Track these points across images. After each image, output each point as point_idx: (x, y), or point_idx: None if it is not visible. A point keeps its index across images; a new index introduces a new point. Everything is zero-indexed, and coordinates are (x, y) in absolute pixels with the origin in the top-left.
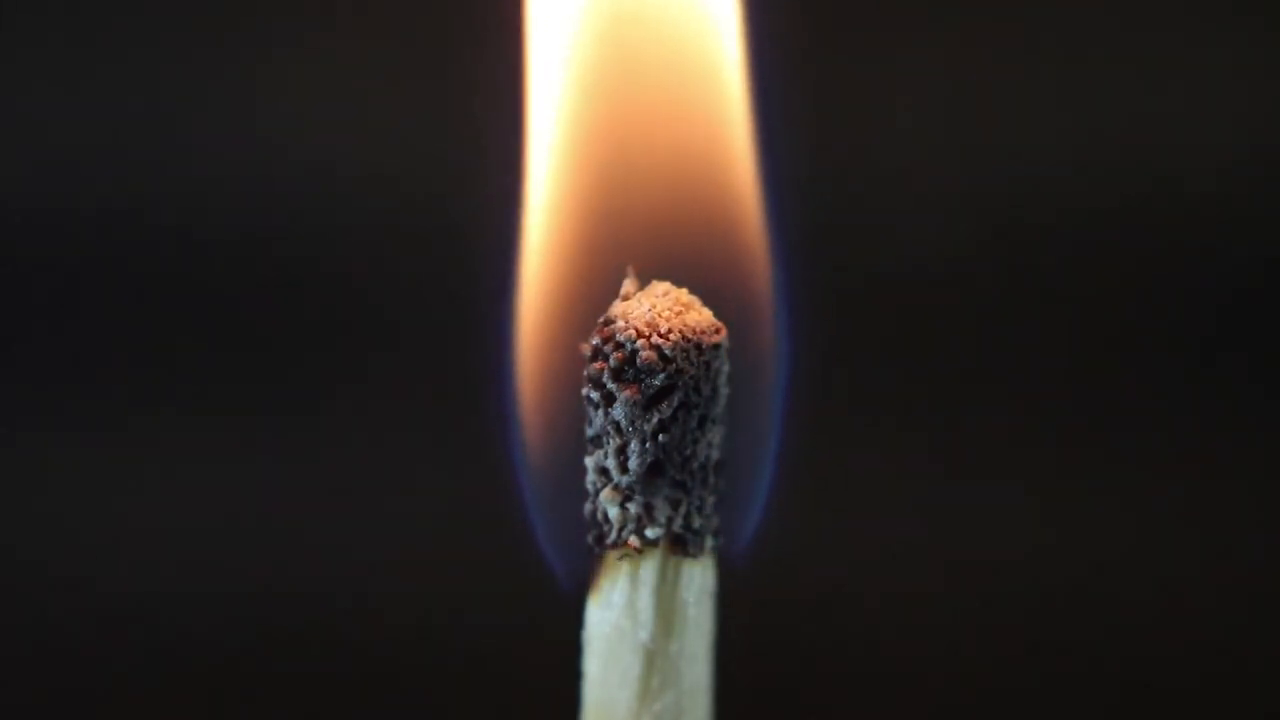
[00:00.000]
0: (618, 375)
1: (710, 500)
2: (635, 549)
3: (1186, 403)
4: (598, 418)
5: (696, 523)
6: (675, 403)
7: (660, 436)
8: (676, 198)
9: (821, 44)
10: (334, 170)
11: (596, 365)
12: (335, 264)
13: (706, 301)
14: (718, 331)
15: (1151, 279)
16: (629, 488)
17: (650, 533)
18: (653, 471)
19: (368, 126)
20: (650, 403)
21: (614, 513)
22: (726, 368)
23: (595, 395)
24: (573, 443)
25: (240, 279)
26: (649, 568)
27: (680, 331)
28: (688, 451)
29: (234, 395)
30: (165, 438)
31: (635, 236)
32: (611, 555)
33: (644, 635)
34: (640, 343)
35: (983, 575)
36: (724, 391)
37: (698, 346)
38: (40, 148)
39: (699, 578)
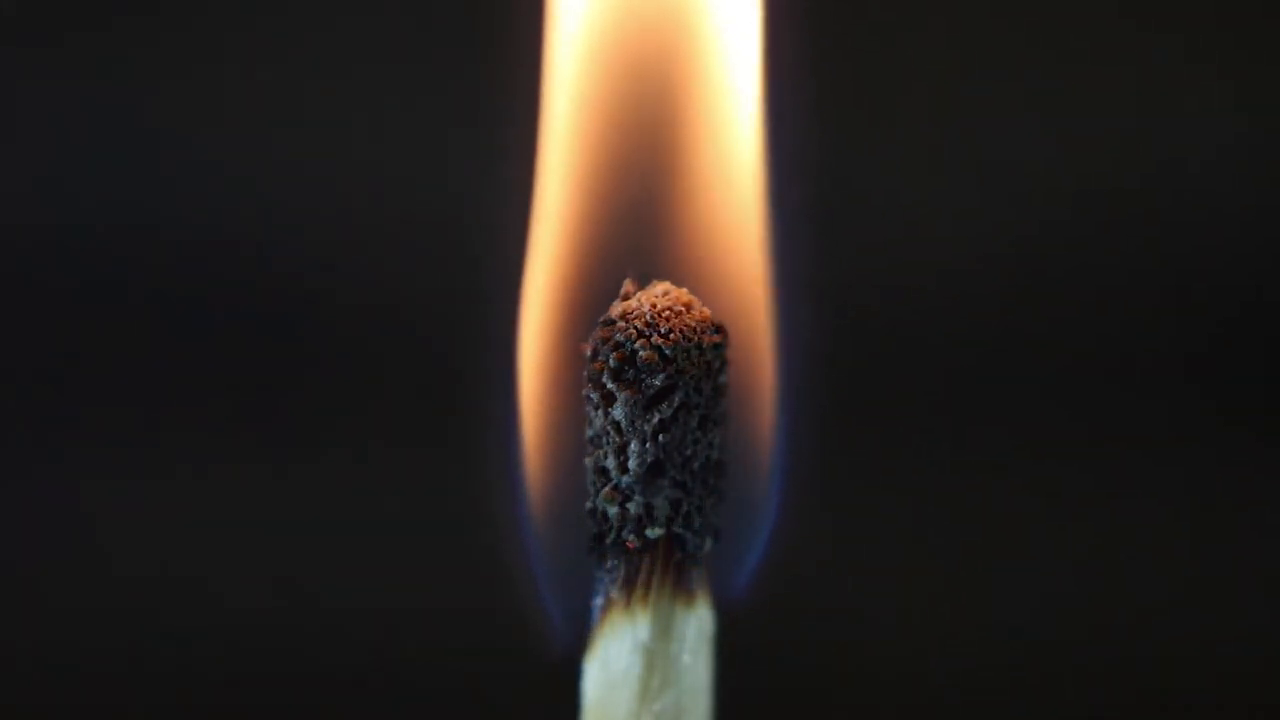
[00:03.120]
0: (618, 375)
1: (711, 501)
2: (634, 549)
3: (1197, 424)
4: (598, 418)
5: (696, 523)
6: (675, 403)
7: (660, 436)
8: (680, 199)
9: (833, 56)
10: (335, 177)
11: (596, 365)
12: (333, 278)
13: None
14: (718, 331)
15: (1155, 302)
16: (629, 488)
17: (650, 533)
18: (653, 472)
19: (365, 130)
20: (650, 403)
21: (613, 513)
22: (727, 375)
23: (595, 395)
24: (573, 473)
25: (233, 295)
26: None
27: (680, 331)
28: (688, 452)
29: (212, 420)
30: (149, 459)
31: (637, 237)
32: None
33: (643, 636)
34: (640, 343)
35: (988, 608)
36: (725, 392)
37: (698, 346)
38: (42, 162)
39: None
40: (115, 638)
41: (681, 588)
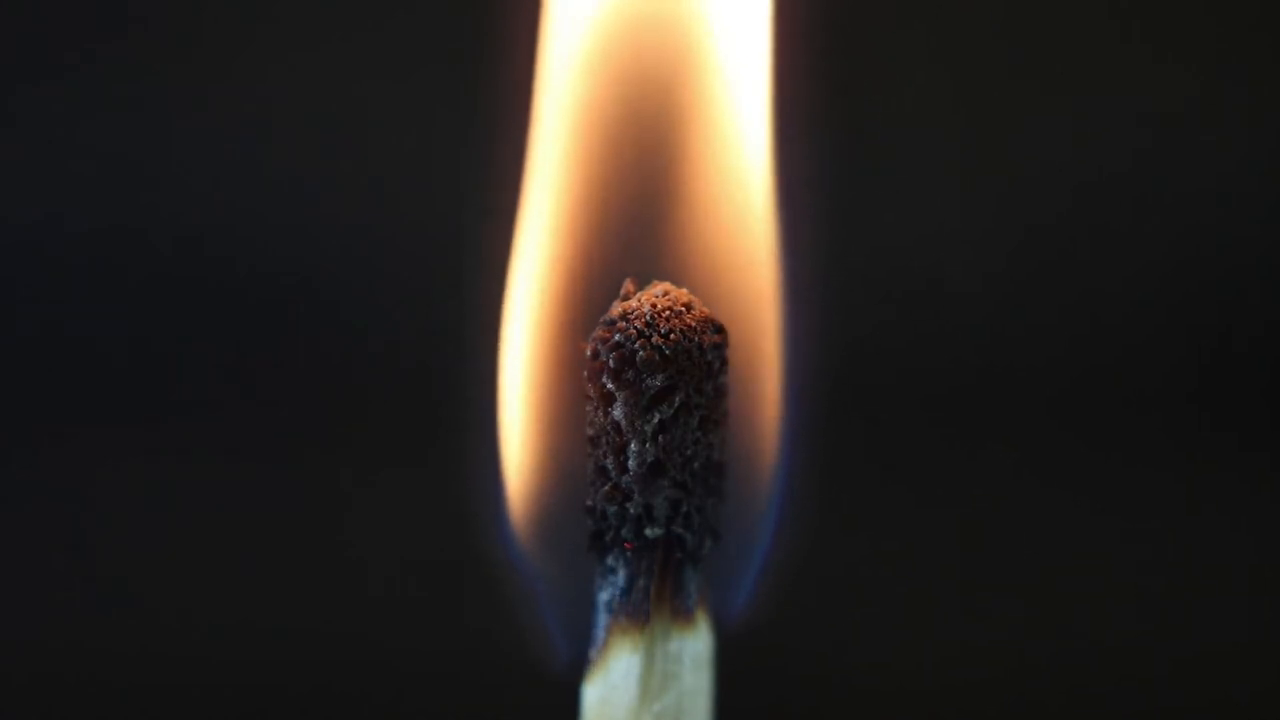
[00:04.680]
0: (617, 375)
1: (711, 502)
2: (633, 549)
3: (1203, 438)
4: (598, 418)
5: (696, 523)
6: (676, 403)
7: (660, 437)
8: (683, 200)
9: (839, 59)
10: (329, 180)
11: (596, 365)
12: (327, 284)
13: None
14: (719, 331)
15: (1161, 318)
16: (628, 488)
17: (649, 532)
18: (652, 472)
19: (361, 135)
20: (651, 403)
21: (613, 512)
22: (727, 376)
23: (595, 395)
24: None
25: (226, 299)
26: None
27: (680, 331)
28: (688, 452)
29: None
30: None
31: (638, 237)
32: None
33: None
34: (640, 343)
35: (990, 622)
36: (725, 392)
37: (698, 346)
38: (40, 163)
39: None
40: (103, 642)
41: (681, 593)
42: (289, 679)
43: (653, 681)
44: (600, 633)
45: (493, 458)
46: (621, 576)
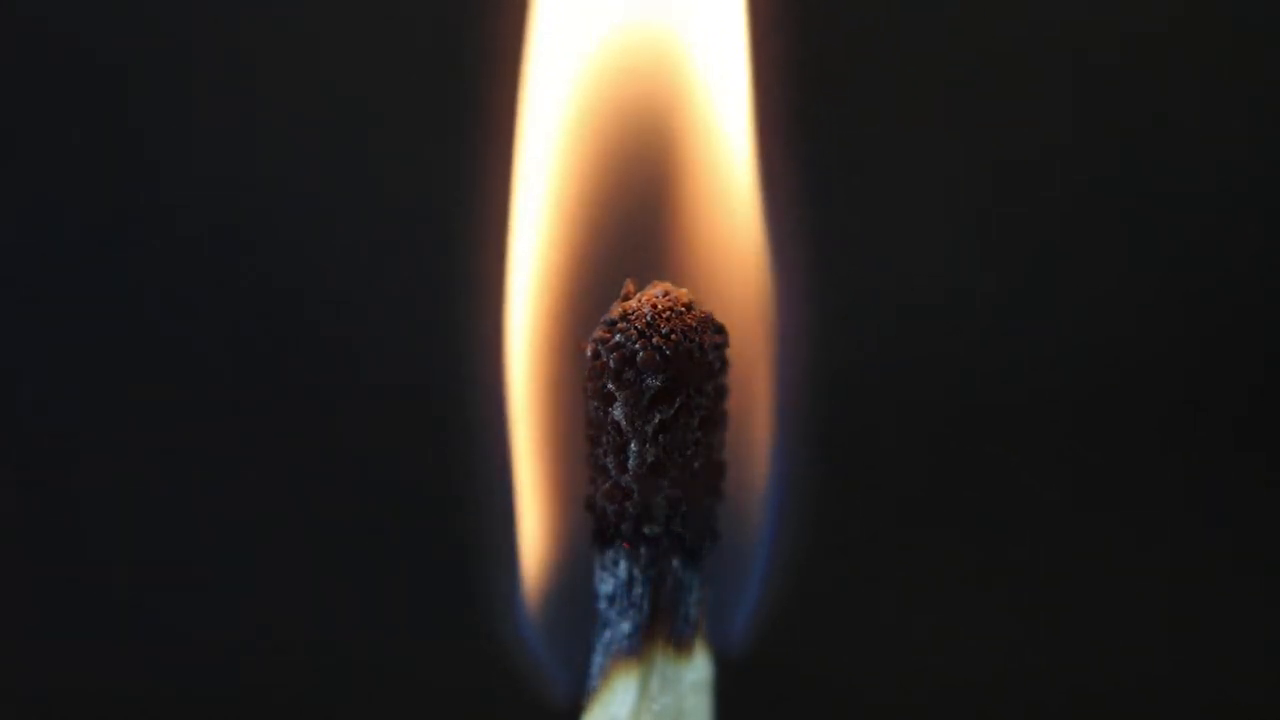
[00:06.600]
0: (618, 376)
1: (710, 501)
2: (631, 548)
3: (1215, 476)
4: (598, 418)
5: (695, 523)
6: (676, 404)
7: (661, 437)
8: (679, 207)
9: (825, 67)
10: (325, 181)
11: (597, 365)
12: (324, 290)
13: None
14: (719, 331)
15: (1169, 349)
16: (628, 486)
17: (648, 530)
18: (653, 471)
19: (359, 139)
20: (651, 403)
21: (612, 511)
22: (727, 375)
23: (595, 395)
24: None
25: (221, 299)
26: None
27: (680, 331)
28: (688, 452)
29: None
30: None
31: (637, 242)
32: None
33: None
34: (640, 344)
35: (989, 637)
36: (725, 392)
37: (699, 347)
38: (38, 163)
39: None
40: (101, 643)
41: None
42: (281, 696)
43: (651, 684)
44: (601, 653)
45: (495, 468)
46: (622, 569)
